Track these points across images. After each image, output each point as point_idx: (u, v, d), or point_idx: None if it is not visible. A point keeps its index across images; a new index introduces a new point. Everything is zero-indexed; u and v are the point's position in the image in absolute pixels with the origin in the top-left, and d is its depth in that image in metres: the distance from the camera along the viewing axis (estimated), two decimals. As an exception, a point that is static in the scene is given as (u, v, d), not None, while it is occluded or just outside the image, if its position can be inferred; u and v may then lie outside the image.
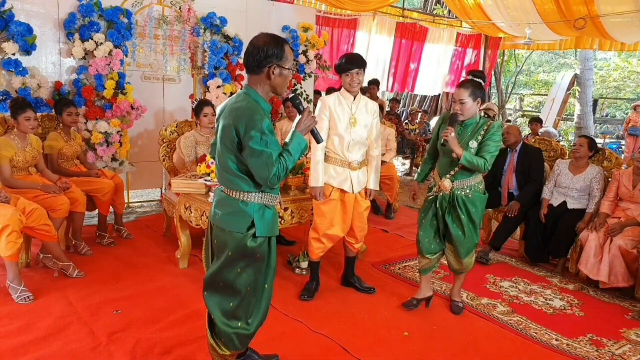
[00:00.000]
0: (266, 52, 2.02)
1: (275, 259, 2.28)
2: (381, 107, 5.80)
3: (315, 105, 7.17)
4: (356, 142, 3.25)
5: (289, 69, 2.09)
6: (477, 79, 2.97)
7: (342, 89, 3.29)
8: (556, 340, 3.05)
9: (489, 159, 2.97)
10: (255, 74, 2.08)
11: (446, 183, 3.10)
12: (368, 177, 3.36)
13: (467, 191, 3.09)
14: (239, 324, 2.20)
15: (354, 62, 3.17)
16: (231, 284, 2.15)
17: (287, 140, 2.15)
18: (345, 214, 3.35)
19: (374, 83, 7.94)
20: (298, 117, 2.20)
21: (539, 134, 8.11)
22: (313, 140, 2.36)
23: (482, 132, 3.01)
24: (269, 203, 2.17)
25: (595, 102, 14.62)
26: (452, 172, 3.08)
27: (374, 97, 7.70)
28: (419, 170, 3.55)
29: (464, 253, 3.20)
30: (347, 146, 3.24)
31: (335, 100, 3.26)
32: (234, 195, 2.12)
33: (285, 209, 3.64)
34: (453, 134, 2.96)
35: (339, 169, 3.27)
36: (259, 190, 2.13)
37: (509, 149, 4.62)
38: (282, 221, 3.77)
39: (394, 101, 9.96)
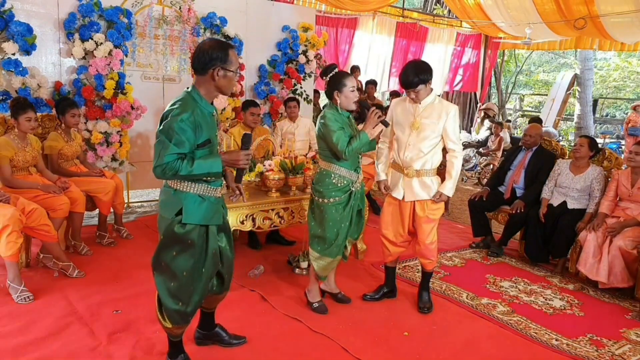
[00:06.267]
0: (210, 55, 2.19)
1: (215, 247, 2.34)
2: (380, 107, 5.81)
3: (315, 104, 7.22)
4: (414, 148, 3.10)
5: (233, 71, 2.25)
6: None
7: None
8: (556, 340, 3.05)
9: None
10: (201, 75, 2.24)
11: (361, 175, 3.18)
12: (445, 181, 3.15)
13: None
14: (180, 304, 2.32)
15: (404, 81, 3.06)
16: (168, 265, 2.29)
17: (211, 154, 2.24)
18: (402, 221, 3.27)
19: (372, 83, 7.97)
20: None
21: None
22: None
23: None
24: (204, 194, 2.28)
25: (595, 102, 14.62)
26: (358, 162, 3.15)
27: (371, 97, 7.72)
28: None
29: (361, 231, 3.41)
30: (403, 150, 3.15)
31: (402, 101, 3.25)
32: (169, 184, 2.28)
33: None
34: None
35: (394, 174, 3.25)
36: (193, 181, 2.23)
37: (524, 147, 4.63)
38: (282, 221, 3.77)
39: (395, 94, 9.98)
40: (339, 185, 3.05)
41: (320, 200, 3.08)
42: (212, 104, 2.32)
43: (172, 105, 2.20)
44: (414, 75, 3.01)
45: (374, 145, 3.35)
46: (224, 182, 2.49)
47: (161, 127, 2.17)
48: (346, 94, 2.98)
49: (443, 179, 3.18)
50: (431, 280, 3.81)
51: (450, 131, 3.09)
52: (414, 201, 3.18)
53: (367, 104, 3.08)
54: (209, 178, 2.27)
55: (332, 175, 3.04)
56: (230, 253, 2.50)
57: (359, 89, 7.56)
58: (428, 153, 3.11)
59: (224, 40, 2.18)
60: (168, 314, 2.34)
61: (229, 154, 2.29)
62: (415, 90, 3.05)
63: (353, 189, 3.09)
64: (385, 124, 3.07)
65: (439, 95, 11.44)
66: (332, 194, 3.05)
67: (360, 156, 3.16)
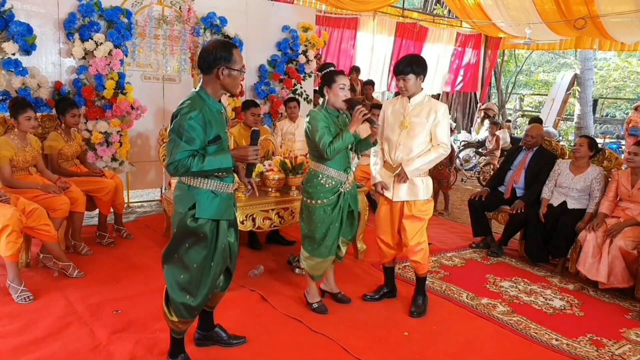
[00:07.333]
0: (215, 55, 2.26)
1: (225, 242, 2.40)
2: (379, 107, 5.80)
3: (315, 105, 7.21)
4: (405, 147, 3.08)
5: (237, 70, 2.31)
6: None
7: None
8: (556, 340, 3.05)
9: None
10: (207, 74, 2.31)
11: (351, 176, 3.14)
12: (412, 160, 3.06)
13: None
14: (187, 297, 2.37)
15: (397, 67, 3.08)
16: (181, 257, 2.35)
17: (221, 150, 2.30)
18: (392, 223, 3.24)
19: (370, 84, 7.97)
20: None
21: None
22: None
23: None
24: (217, 190, 2.34)
25: (595, 102, 14.64)
26: (348, 163, 3.12)
27: (369, 98, 7.72)
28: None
29: (355, 232, 3.33)
30: (394, 150, 3.12)
31: (393, 102, 3.23)
32: (183, 180, 2.35)
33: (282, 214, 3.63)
34: None
35: (386, 174, 3.19)
36: (205, 177, 2.30)
37: (524, 147, 4.64)
38: (282, 221, 3.77)
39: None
40: (327, 185, 3.00)
41: (309, 201, 3.04)
42: (220, 101, 2.37)
43: (181, 104, 2.26)
44: (407, 64, 3.03)
45: (369, 144, 3.15)
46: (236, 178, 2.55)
47: (171, 126, 2.23)
48: (335, 90, 2.95)
49: (434, 179, 3.15)
50: (431, 280, 3.81)
51: (439, 130, 3.06)
52: (403, 202, 3.16)
53: (355, 102, 3.02)
54: (220, 174, 2.32)
55: (320, 175, 3.00)
56: (237, 248, 2.57)
57: (352, 89, 7.54)
58: (417, 151, 3.09)
59: (228, 40, 2.23)
60: (175, 307, 2.38)
61: (238, 149, 2.34)
62: (405, 78, 3.03)
63: (342, 190, 3.05)
64: (372, 122, 2.95)
65: (438, 95, 11.51)
66: (321, 195, 3.00)
67: (358, 156, 3.14)
